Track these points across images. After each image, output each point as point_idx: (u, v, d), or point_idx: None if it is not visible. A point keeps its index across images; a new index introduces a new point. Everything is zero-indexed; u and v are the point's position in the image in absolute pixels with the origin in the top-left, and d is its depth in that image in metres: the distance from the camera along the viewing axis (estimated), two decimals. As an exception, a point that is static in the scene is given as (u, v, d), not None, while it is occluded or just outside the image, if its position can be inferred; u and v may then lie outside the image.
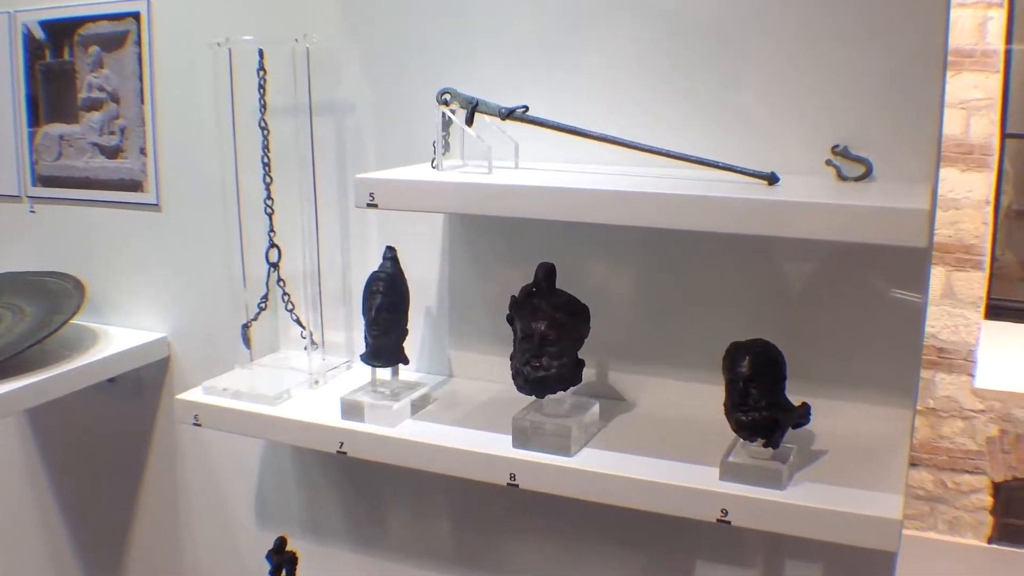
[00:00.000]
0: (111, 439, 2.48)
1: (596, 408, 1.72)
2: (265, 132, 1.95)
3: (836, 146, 1.62)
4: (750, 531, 1.81)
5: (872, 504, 1.45)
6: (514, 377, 1.64)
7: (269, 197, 1.97)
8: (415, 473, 2.03)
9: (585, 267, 1.79)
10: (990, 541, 4.64)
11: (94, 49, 2.24)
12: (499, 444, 1.66)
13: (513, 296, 1.66)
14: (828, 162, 1.61)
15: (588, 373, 1.77)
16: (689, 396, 1.80)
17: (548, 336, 1.59)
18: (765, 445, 1.51)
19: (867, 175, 1.59)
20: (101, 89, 2.25)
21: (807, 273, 1.71)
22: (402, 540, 2.15)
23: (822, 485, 1.51)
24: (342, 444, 1.75)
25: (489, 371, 1.94)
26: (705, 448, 1.61)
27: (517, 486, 1.62)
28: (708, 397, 1.75)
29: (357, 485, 2.17)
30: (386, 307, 1.76)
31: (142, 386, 2.40)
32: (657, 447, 1.64)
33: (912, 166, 1.60)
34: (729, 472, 1.52)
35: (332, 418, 1.79)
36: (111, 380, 2.42)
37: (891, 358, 1.68)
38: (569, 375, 1.63)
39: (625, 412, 1.81)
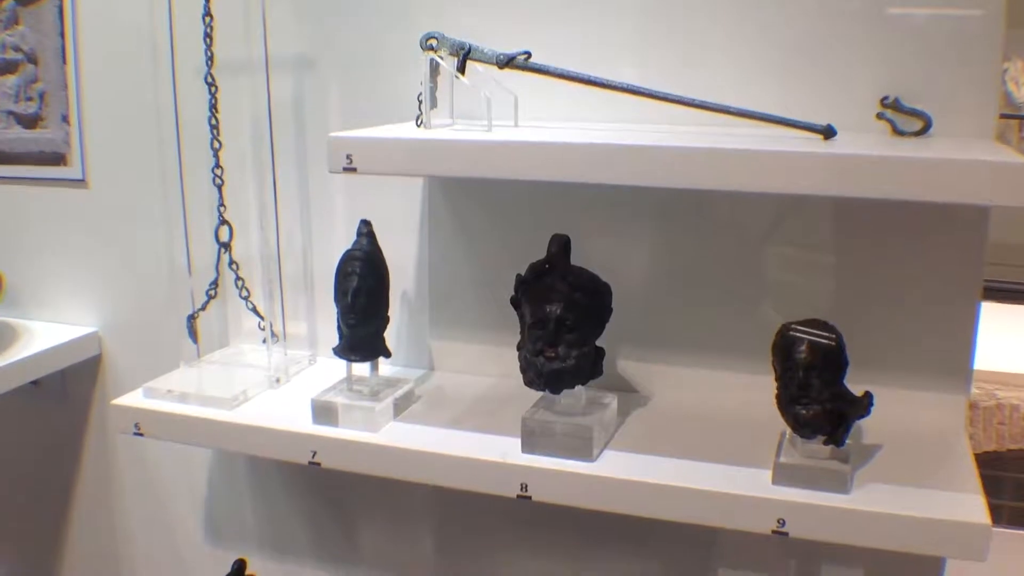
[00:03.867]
0: (35, 452, 2.19)
1: (615, 403, 1.48)
2: (213, 89, 1.66)
3: (885, 98, 1.40)
4: (787, 542, 1.60)
5: (954, 507, 1.24)
6: (524, 371, 1.39)
7: (218, 166, 1.69)
8: (391, 482, 1.80)
9: (589, 241, 1.52)
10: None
11: (8, 3, 1.94)
12: (505, 449, 1.41)
13: (519, 275, 1.41)
14: (880, 115, 1.40)
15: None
16: (712, 388, 1.58)
17: (566, 320, 1.35)
18: (827, 442, 1.29)
19: (926, 130, 1.38)
20: (16, 49, 1.96)
21: (848, 245, 1.50)
22: (378, 559, 1.90)
23: (890, 486, 1.29)
24: (315, 454, 1.49)
25: (476, 363, 1.71)
26: (743, 447, 1.40)
27: (529, 498, 1.37)
28: (735, 388, 1.56)
29: (324, 497, 1.90)
30: (364, 290, 1.50)
31: (69, 390, 2.12)
32: (687, 447, 1.41)
33: (968, 122, 1.40)
34: (784, 475, 1.29)
35: (302, 423, 1.53)
36: (34, 383, 2.14)
37: (941, 339, 1.47)
38: (589, 366, 1.39)
39: (641, 407, 1.58)
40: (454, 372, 1.73)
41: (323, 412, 1.51)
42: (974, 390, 4.04)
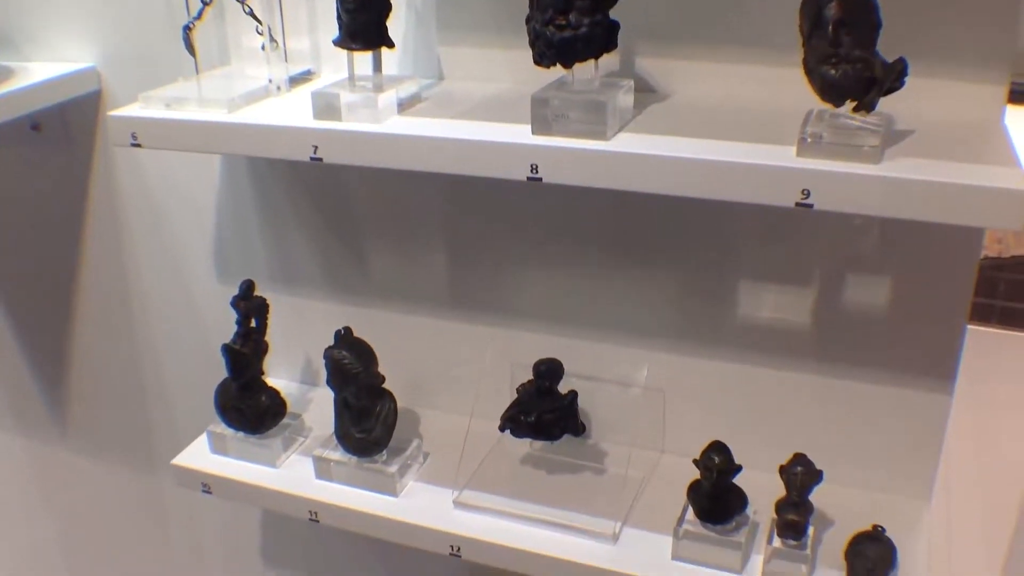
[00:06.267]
0: (41, 199, 2.16)
1: (631, 87, 1.39)
2: None
3: None
4: (805, 244, 1.54)
5: (990, 176, 1.15)
6: (533, 44, 1.31)
7: None
8: (402, 203, 1.75)
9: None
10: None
11: None
12: (515, 133, 1.33)
13: (527, -58, 1.31)
14: None
15: (608, 61, 1.44)
16: (739, 83, 1.48)
17: (577, -17, 1.25)
18: (857, 108, 1.20)
19: None
20: None
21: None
22: (388, 284, 1.86)
23: (922, 160, 1.21)
24: (316, 148, 1.42)
25: (488, 70, 1.61)
26: (767, 131, 1.31)
27: (540, 179, 1.30)
28: (763, 82, 1.46)
29: (331, 223, 1.85)
30: (363, -28, 1.41)
31: (71, 131, 2.06)
32: (707, 131, 1.32)
33: None
34: (809, 147, 1.21)
35: (302, 119, 1.45)
36: (35, 128, 2.09)
37: (980, 22, 1.35)
38: (603, 36, 1.29)
39: (659, 102, 1.49)
40: (464, 80, 1.64)
41: (324, 107, 1.44)
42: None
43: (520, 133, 1.33)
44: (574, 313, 1.73)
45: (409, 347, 1.87)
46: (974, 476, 2.83)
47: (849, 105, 1.21)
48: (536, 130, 1.32)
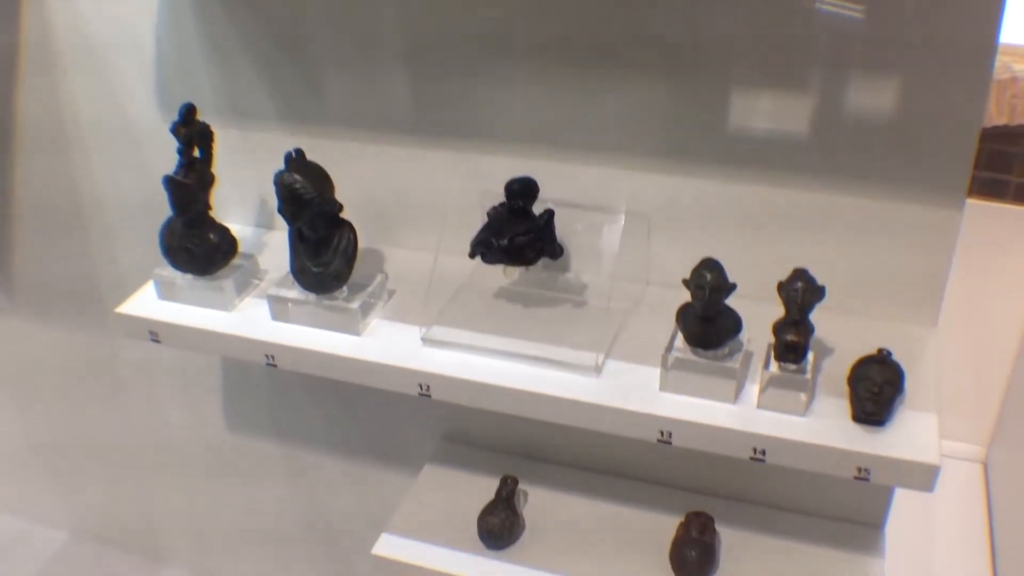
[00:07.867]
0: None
1: None
2: None
3: None
4: (805, 40, 1.39)
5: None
6: None
7: None
8: (356, 17, 1.60)
9: None
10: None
11: None
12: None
13: None
14: None
15: None
16: None
17: None
18: None
19: None
20: None
21: None
22: (345, 109, 1.70)
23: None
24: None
25: None
26: None
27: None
28: None
29: (280, 43, 1.68)
30: None
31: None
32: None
33: None
34: None
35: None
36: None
37: None
38: None
39: None
40: None
41: None
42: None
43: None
44: (549, 133, 1.58)
45: (370, 178, 1.72)
46: (960, 336, 2.74)
47: None
48: None
